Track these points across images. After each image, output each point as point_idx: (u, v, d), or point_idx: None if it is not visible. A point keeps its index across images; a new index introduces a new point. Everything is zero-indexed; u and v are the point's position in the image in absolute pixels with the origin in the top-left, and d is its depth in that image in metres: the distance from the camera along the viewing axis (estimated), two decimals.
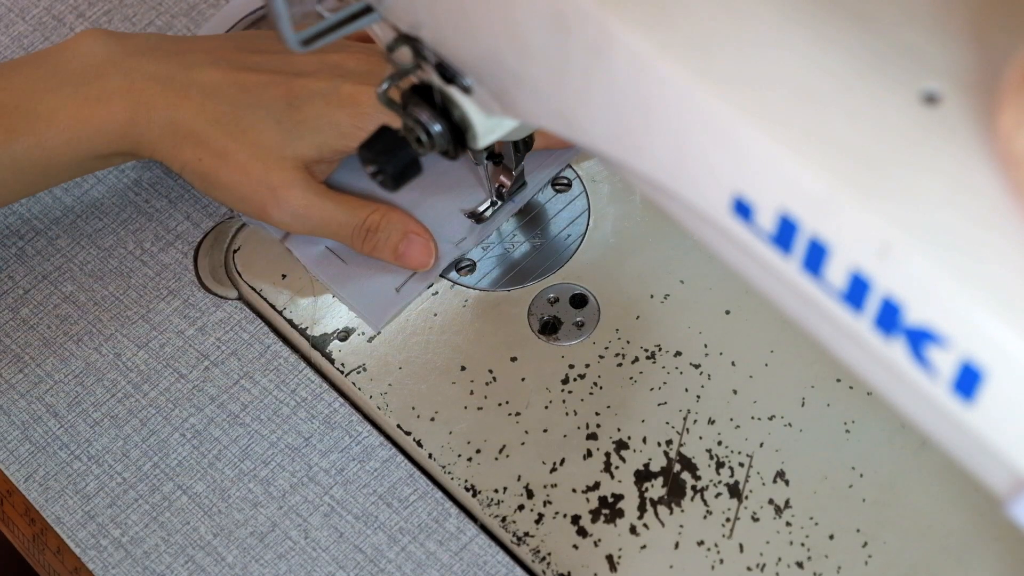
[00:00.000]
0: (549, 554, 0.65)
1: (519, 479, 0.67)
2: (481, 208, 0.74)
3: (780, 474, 0.67)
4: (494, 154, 0.72)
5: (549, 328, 0.72)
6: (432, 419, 0.69)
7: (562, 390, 0.69)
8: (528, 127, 0.65)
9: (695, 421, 0.68)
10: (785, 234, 0.42)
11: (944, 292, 0.38)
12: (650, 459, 0.67)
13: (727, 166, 0.43)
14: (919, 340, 0.40)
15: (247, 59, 0.72)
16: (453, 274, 0.73)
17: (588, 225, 0.74)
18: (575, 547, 0.66)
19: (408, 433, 0.69)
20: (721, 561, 0.65)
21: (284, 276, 0.74)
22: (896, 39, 0.42)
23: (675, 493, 0.66)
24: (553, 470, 0.67)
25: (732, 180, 0.43)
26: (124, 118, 0.69)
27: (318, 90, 0.71)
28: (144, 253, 0.75)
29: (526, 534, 0.66)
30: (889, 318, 0.41)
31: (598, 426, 0.68)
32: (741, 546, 0.65)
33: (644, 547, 0.65)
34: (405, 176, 0.59)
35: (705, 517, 0.66)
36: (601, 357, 0.70)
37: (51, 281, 0.75)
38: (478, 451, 0.68)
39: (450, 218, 0.74)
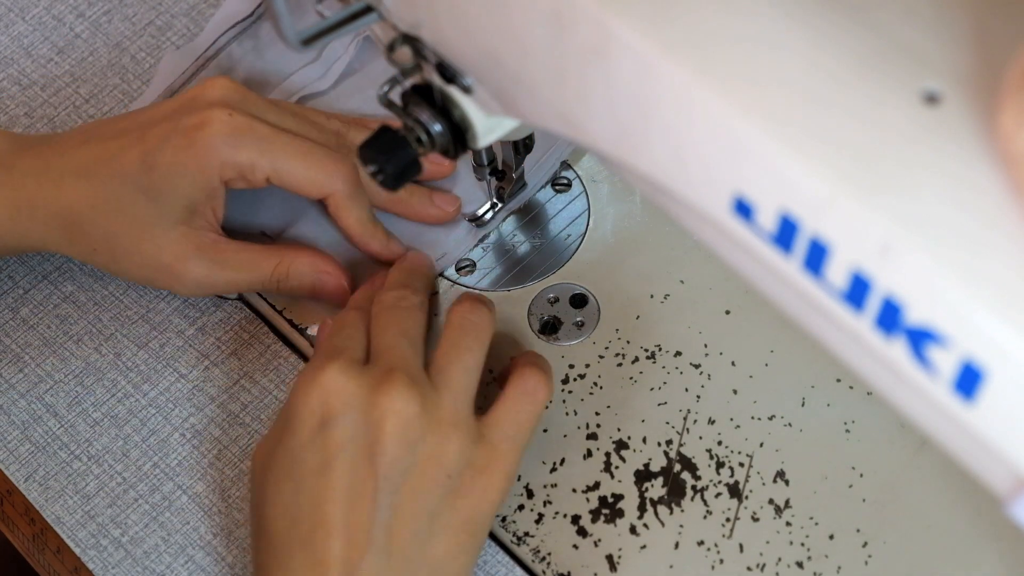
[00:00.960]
0: (549, 554, 0.65)
1: (519, 479, 0.67)
2: (481, 211, 0.74)
3: (780, 474, 0.67)
4: (497, 170, 0.72)
5: (549, 328, 0.72)
6: None
7: (562, 390, 0.69)
8: (528, 127, 0.65)
9: (695, 421, 0.68)
10: (786, 234, 0.43)
11: (945, 292, 0.39)
12: (650, 459, 0.67)
13: (727, 166, 0.43)
14: (920, 340, 0.40)
15: (115, 126, 0.69)
16: (453, 274, 0.73)
17: (588, 225, 0.74)
18: (575, 547, 0.66)
19: None
20: (721, 561, 0.65)
21: None
22: (896, 39, 0.42)
23: (675, 493, 0.66)
24: (553, 470, 0.67)
25: (732, 180, 0.43)
26: (4, 215, 0.68)
27: (164, 135, 0.67)
28: None
29: (526, 534, 0.66)
30: (890, 318, 0.41)
31: (598, 426, 0.68)
32: (741, 546, 0.65)
33: (644, 547, 0.65)
34: (405, 176, 0.59)
35: (705, 517, 0.66)
36: (601, 357, 0.70)
37: (51, 281, 0.75)
38: None
39: (450, 227, 0.74)
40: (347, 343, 0.63)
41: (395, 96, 0.58)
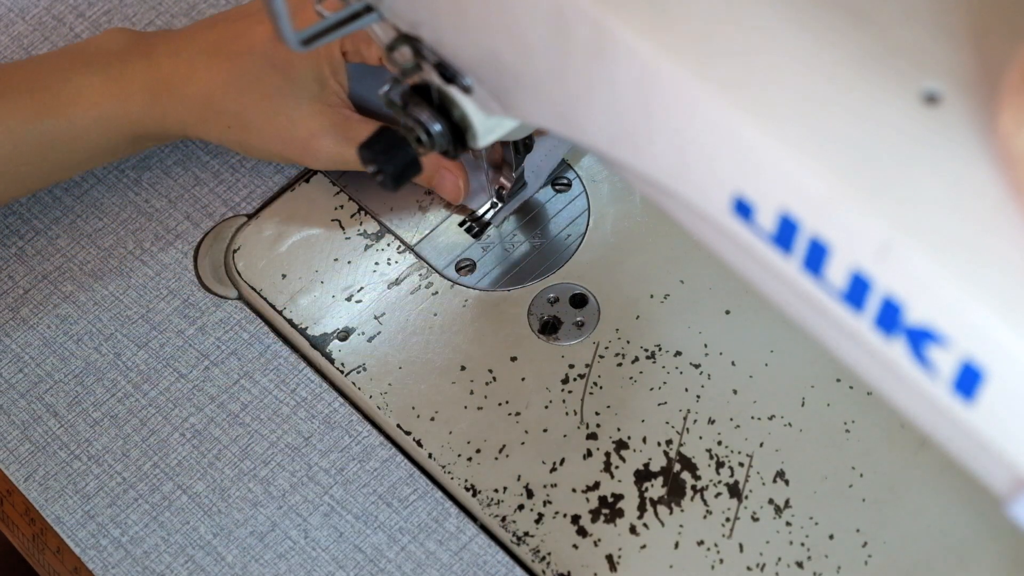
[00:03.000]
0: (549, 554, 0.65)
1: (519, 479, 0.67)
2: (481, 211, 0.74)
3: (780, 474, 0.67)
4: (500, 185, 0.73)
5: (549, 328, 0.72)
6: (432, 419, 0.69)
7: (562, 390, 0.69)
8: (528, 127, 0.65)
9: (695, 421, 0.68)
10: (785, 234, 0.43)
11: (944, 292, 0.39)
12: (650, 459, 0.67)
13: (727, 166, 0.43)
14: (919, 340, 0.40)
15: (240, 8, 0.73)
16: (453, 274, 0.73)
17: (588, 225, 0.74)
18: (575, 547, 0.66)
19: (408, 433, 0.69)
20: (721, 561, 0.65)
21: (284, 276, 0.74)
22: (896, 39, 0.42)
23: (675, 493, 0.66)
24: (553, 470, 0.67)
25: (732, 180, 0.43)
26: (145, 98, 0.71)
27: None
28: (144, 253, 0.75)
29: (526, 534, 0.66)
30: (889, 318, 0.41)
31: (598, 426, 0.68)
32: (741, 546, 0.65)
33: (644, 547, 0.65)
34: (405, 176, 0.59)
35: (705, 517, 0.66)
36: (601, 357, 0.70)
37: (51, 281, 0.75)
38: (478, 451, 0.68)
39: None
40: None
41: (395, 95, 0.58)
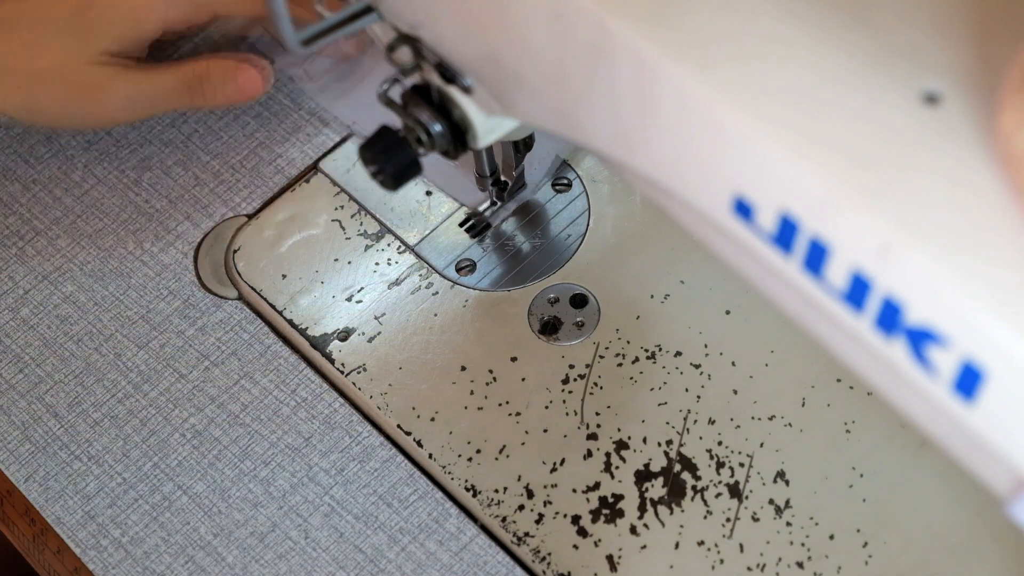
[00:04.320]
0: (549, 554, 0.65)
1: (519, 479, 0.67)
2: (481, 208, 0.74)
3: (780, 474, 0.67)
4: (500, 181, 0.73)
5: (549, 328, 0.72)
6: (432, 419, 0.69)
7: (562, 390, 0.69)
8: (528, 127, 0.65)
9: (695, 421, 0.68)
10: (786, 234, 0.43)
11: (945, 292, 0.39)
12: (650, 459, 0.67)
13: (727, 166, 0.43)
14: (920, 340, 0.40)
15: None
16: (453, 274, 0.73)
17: (588, 225, 0.74)
18: (575, 547, 0.66)
19: (408, 433, 0.69)
20: (721, 561, 0.65)
21: (284, 276, 0.74)
22: (896, 39, 0.42)
23: (675, 493, 0.66)
24: (553, 470, 0.67)
25: (732, 180, 0.43)
26: None
27: None
28: (144, 253, 0.75)
29: (526, 534, 0.66)
30: (890, 318, 0.41)
31: (598, 426, 0.68)
32: (741, 546, 0.65)
33: (644, 547, 0.65)
34: (405, 176, 0.59)
35: (705, 517, 0.66)
36: (601, 357, 0.70)
37: (51, 281, 0.75)
38: (478, 451, 0.68)
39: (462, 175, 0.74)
40: None
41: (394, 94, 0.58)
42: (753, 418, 0.68)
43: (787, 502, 0.66)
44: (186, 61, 0.73)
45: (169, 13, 0.71)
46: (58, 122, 0.74)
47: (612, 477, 0.67)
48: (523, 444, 0.68)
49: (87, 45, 0.70)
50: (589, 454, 0.68)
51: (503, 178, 0.73)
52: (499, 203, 0.74)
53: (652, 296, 0.72)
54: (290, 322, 0.72)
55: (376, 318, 0.72)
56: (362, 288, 0.73)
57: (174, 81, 0.72)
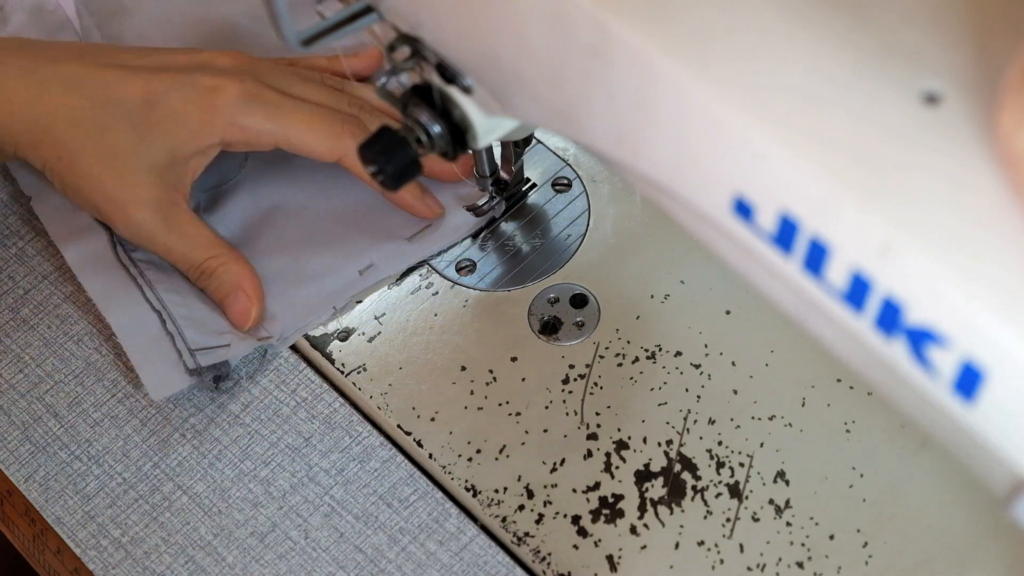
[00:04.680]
0: (549, 554, 0.65)
1: (519, 479, 0.67)
2: (481, 202, 0.74)
3: (780, 474, 0.67)
4: (500, 180, 0.73)
5: (549, 328, 0.72)
6: (432, 419, 0.69)
7: (562, 390, 0.69)
8: (528, 127, 0.65)
9: (695, 421, 0.68)
10: (786, 234, 0.43)
11: (945, 292, 0.39)
12: (650, 459, 0.67)
13: (727, 166, 0.43)
14: (920, 340, 0.40)
15: (114, 55, 0.71)
16: (453, 274, 0.73)
17: (588, 225, 0.74)
18: (575, 547, 0.66)
19: (408, 433, 0.69)
20: (721, 561, 0.65)
21: None
22: (896, 39, 0.42)
23: (675, 493, 0.66)
24: (553, 470, 0.67)
25: (732, 180, 0.44)
26: None
27: (175, 84, 0.69)
28: None
29: (526, 534, 0.66)
30: (890, 318, 0.41)
31: (598, 426, 0.68)
32: (741, 546, 0.65)
33: (644, 547, 0.65)
34: (405, 176, 0.59)
35: (705, 517, 0.66)
36: (601, 357, 0.70)
37: (51, 281, 0.75)
38: (478, 451, 0.68)
39: (450, 210, 0.74)
40: None
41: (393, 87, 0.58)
42: (753, 418, 0.68)
43: (787, 502, 0.66)
44: (209, 243, 0.70)
45: (228, 133, 0.69)
46: (81, 207, 0.71)
47: (612, 477, 0.67)
48: (523, 444, 0.68)
49: (143, 148, 0.68)
50: (589, 454, 0.68)
51: (503, 176, 0.73)
52: (497, 198, 0.74)
53: (652, 296, 0.72)
54: None
55: (376, 318, 0.72)
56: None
57: (182, 253, 0.70)
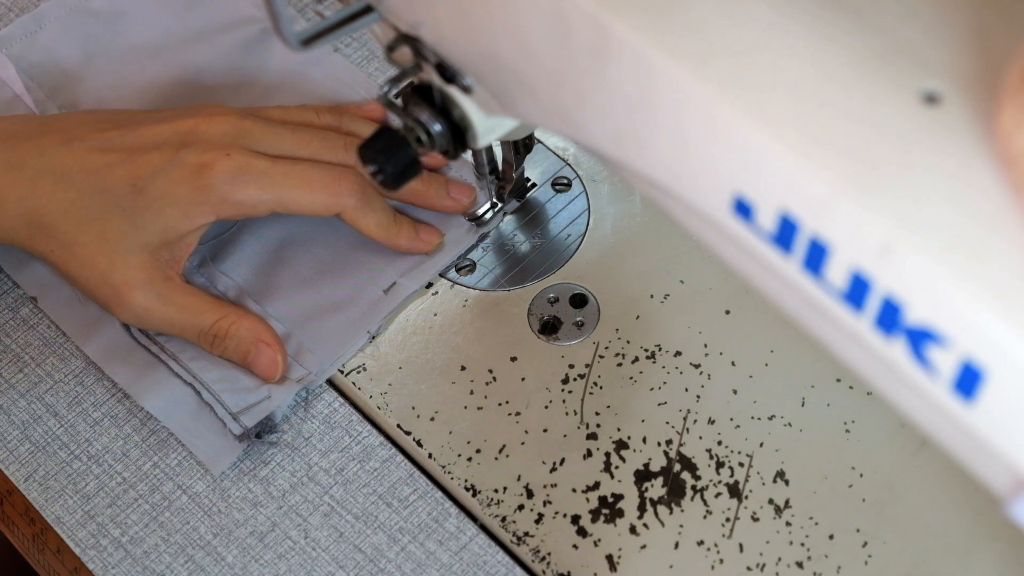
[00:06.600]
0: (549, 554, 0.65)
1: (519, 479, 0.67)
2: (481, 211, 0.74)
3: (780, 474, 0.67)
4: (498, 170, 0.73)
5: (549, 328, 0.72)
6: (432, 419, 0.69)
7: (562, 390, 0.69)
8: (528, 127, 0.65)
9: (695, 421, 0.68)
10: (785, 234, 0.43)
11: (945, 292, 0.39)
12: (650, 459, 0.67)
13: (727, 166, 0.43)
14: (919, 340, 0.40)
15: (100, 137, 0.69)
16: (453, 274, 0.73)
17: (588, 225, 0.74)
18: (575, 547, 0.66)
19: (408, 433, 0.69)
20: (721, 561, 0.65)
21: None
22: (896, 39, 0.42)
23: (675, 493, 0.66)
24: (553, 470, 0.67)
25: (732, 180, 0.44)
26: None
27: (161, 166, 0.68)
28: None
29: (526, 534, 0.66)
30: (889, 318, 0.41)
31: (598, 426, 0.68)
32: (741, 546, 0.65)
33: (644, 547, 0.65)
34: (405, 176, 0.59)
35: (705, 517, 0.66)
36: (601, 357, 0.70)
37: None
38: (478, 451, 0.68)
39: (449, 220, 0.74)
40: None
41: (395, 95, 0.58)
42: (753, 418, 0.68)
43: (787, 502, 0.66)
44: (211, 306, 0.69)
45: (222, 210, 0.68)
46: (87, 295, 0.70)
47: (612, 477, 0.67)
48: (523, 444, 0.68)
49: (134, 232, 0.67)
50: (589, 454, 0.68)
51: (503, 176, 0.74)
52: (499, 205, 0.74)
53: (652, 296, 0.72)
54: None
55: None
56: None
57: (187, 323, 0.69)
